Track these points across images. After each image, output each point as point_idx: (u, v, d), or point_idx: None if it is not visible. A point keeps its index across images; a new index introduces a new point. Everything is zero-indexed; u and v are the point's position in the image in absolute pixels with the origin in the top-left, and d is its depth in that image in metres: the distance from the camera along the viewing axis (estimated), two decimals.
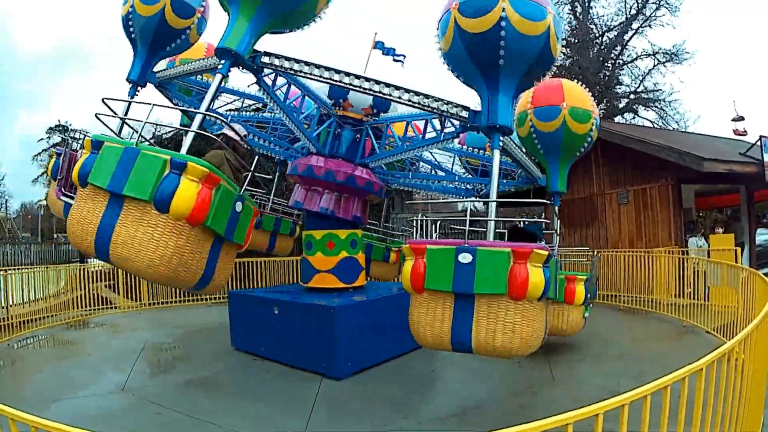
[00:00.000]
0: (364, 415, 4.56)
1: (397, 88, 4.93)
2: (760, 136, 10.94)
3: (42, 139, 46.67)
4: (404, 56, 7.86)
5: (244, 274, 11.57)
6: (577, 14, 24.59)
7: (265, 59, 5.01)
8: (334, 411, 4.70)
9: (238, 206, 3.83)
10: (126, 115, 3.72)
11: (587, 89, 6.39)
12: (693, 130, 22.62)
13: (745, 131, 15.70)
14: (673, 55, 23.88)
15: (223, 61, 4.61)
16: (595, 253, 7.87)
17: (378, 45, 7.75)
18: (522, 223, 6.62)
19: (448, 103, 4.83)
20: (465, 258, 3.62)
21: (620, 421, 1.99)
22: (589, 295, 6.34)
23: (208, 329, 8.41)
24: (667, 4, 23.08)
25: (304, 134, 6.42)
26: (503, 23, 3.97)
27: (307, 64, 4.99)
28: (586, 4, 24.37)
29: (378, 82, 4.95)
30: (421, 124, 6.75)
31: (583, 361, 6.17)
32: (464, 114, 4.77)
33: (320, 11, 5.07)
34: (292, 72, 5.09)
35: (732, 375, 2.71)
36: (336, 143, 6.85)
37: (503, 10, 3.95)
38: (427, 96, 4.89)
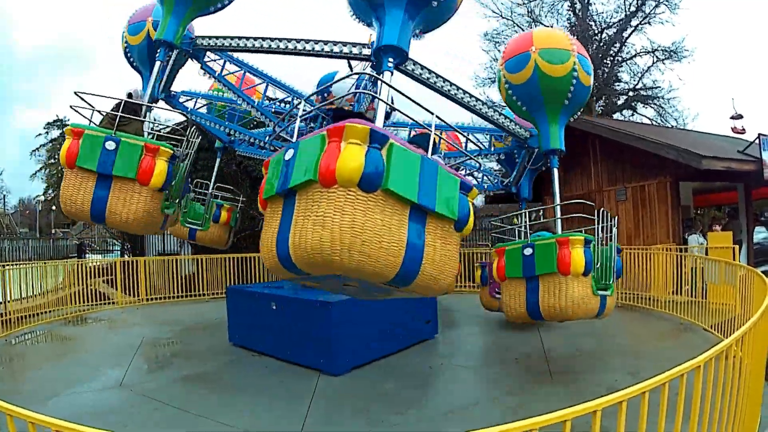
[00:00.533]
0: (361, 411, 4.57)
1: (298, 41, 5.22)
2: (759, 134, 10.93)
3: (40, 134, 46.37)
4: None
5: (242, 269, 11.57)
6: (576, 11, 24.56)
7: (200, 41, 5.70)
8: (331, 407, 4.70)
9: (109, 145, 4.38)
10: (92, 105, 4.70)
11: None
12: (692, 127, 22.65)
13: (744, 129, 15.71)
14: (672, 53, 23.90)
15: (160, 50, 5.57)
16: (604, 211, 5.46)
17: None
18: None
19: (346, 44, 5.03)
20: (288, 155, 3.13)
21: (618, 418, 2.00)
22: (598, 265, 5.01)
23: (205, 325, 8.42)
24: (667, 1, 23.09)
25: (270, 119, 6.67)
26: None
27: (239, 38, 5.52)
28: (586, 1, 24.33)
29: (281, 39, 5.31)
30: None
31: (580, 358, 6.18)
32: (366, 51, 4.83)
33: None
34: (226, 48, 5.71)
35: (730, 372, 2.72)
36: None
37: None
38: (326, 42, 5.15)
